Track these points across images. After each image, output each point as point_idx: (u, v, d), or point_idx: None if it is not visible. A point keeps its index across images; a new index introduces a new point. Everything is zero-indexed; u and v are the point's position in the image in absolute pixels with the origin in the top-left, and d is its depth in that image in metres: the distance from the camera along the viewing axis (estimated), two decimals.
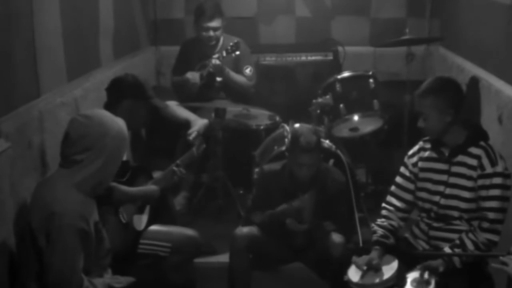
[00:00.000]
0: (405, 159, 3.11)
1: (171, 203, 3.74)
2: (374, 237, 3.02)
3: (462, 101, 2.96)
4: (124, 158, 3.26)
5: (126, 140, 2.69)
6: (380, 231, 3.03)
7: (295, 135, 3.36)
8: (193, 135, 3.95)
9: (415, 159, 3.07)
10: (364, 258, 2.93)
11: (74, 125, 2.55)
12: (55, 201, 2.45)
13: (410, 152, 3.11)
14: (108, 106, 3.20)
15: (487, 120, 3.69)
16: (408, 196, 3.08)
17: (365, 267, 2.89)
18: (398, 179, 3.11)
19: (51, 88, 3.34)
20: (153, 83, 5.39)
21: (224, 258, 3.55)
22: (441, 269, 2.79)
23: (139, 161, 3.45)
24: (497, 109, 3.59)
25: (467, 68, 4.32)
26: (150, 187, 3.29)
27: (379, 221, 3.09)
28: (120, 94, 3.26)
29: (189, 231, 3.36)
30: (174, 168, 3.42)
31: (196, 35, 4.75)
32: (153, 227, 3.31)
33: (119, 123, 2.62)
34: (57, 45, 3.46)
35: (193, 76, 4.59)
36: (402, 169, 3.11)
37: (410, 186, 3.08)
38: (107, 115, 2.63)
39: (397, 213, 3.09)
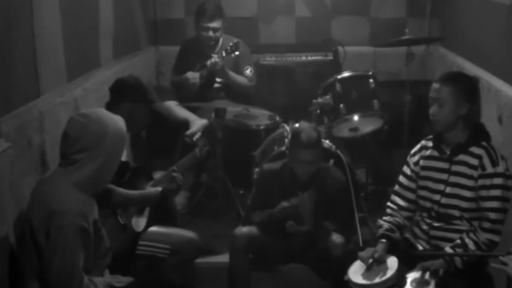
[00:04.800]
0: (408, 158, 3.12)
1: (173, 204, 3.73)
2: (380, 231, 3.03)
3: (476, 99, 2.97)
4: (124, 158, 3.27)
5: (125, 139, 2.67)
6: (386, 225, 3.04)
7: (296, 131, 3.38)
8: (196, 136, 3.94)
9: (416, 157, 3.08)
10: (369, 251, 2.93)
11: (72, 124, 2.54)
12: (55, 200, 2.45)
13: (412, 151, 3.12)
14: (110, 106, 3.20)
15: (487, 120, 3.69)
16: (411, 195, 3.09)
17: (370, 260, 2.89)
18: (401, 178, 3.13)
19: (51, 88, 3.34)
20: (153, 83, 5.39)
21: (224, 258, 3.55)
22: (441, 271, 2.79)
23: (139, 161, 3.45)
24: (497, 109, 3.59)
25: (467, 68, 4.31)
26: (150, 190, 3.27)
27: (385, 217, 3.10)
28: (121, 96, 3.25)
29: (188, 233, 3.36)
30: (174, 174, 3.40)
31: (196, 35, 4.75)
32: (152, 229, 3.31)
33: (118, 122, 2.61)
34: (57, 45, 3.47)
35: (193, 75, 4.59)
36: (404, 168, 3.12)
37: (412, 185, 3.08)
38: (105, 114, 2.61)
39: (401, 212, 3.10)
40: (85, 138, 2.50)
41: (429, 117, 2.96)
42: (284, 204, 3.32)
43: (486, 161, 2.84)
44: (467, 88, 2.91)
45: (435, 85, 2.92)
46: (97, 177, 2.54)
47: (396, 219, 3.08)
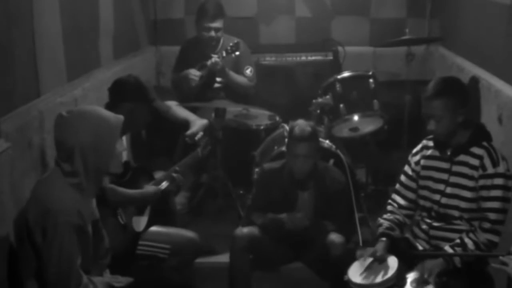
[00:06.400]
0: (409, 158, 3.12)
1: (173, 204, 3.73)
2: (380, 229, 3.03)
3: (468, 99, 2.96)
4: (125, 158, 3.27)
5: (113, 132, 2.56)
6: (386, 224, 3.04)
7: (291, 127, 3.41)
8: (199, 136, 3.94)
9: (417, 157, 3.08)
10: (369, 250, 2.93)
11: (56, 124, 2.53)
12: (51, 199, 2.45)
13: (414, 150, 3.12)
14: (110, 107, 3.19)
15: (487, 120, 3.70)
16: (411, 195, 3.09)
17: (370, 259, 2.89)
18: (402, 177, 3.13)
19: (51, 88, 3.34)
20: (153, 83, 5.39)
21: (224, 258, 3.55)
22: (438, 269, 2.79)
23: (139, 161, 3.45)
24: (497, 109, 3.59)
25: (467, 68, 4.32)
26: (150, 190, 3.27)
27: (385, 215, 3.10)
28: (122, 96, 3.24)
29: (188, 233, 3.36)
30: (173, 174, 3.40)
31: (197, 34, 4.75)
32: (153, 228, 3.31)
33: (101, 116, 2.53)
34: (57, 45, 3.47)
35: (194, 72, 4.59)
36: (406, 167, 3.13)
37: (413, 184, 3.08)
38: (89, 110, 2.55)
39: (401, 210, 3.10)
40: (63, 138, 2.48)
41: (428, 132, 2.94)
42: (287, 216, 3.33)
43: (487, 161, 2.84)
44: (459, 94, 2.88)
45: (426, 102, 2.87)
46: (90, 175, 2.51)
47: (396, 217, 3.08)
